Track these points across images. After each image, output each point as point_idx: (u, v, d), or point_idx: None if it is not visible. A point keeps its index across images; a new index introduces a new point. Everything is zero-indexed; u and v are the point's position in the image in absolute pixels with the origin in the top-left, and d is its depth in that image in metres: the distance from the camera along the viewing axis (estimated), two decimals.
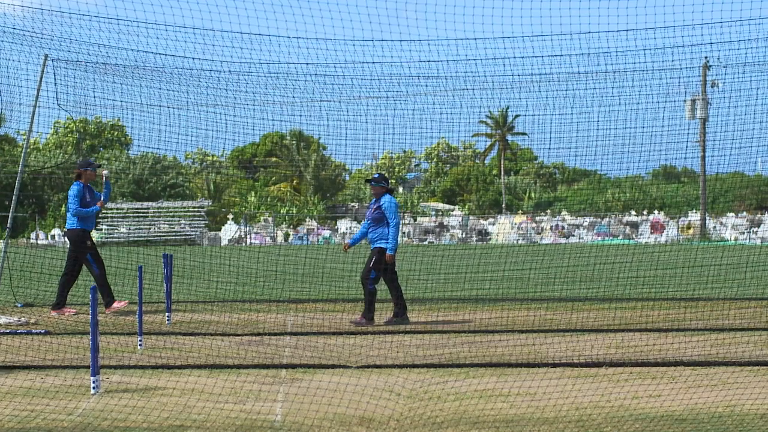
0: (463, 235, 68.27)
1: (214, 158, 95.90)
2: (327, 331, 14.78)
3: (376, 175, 16.04)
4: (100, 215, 63.73)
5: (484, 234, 68.44)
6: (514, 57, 19.21)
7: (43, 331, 14.42)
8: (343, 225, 72.04)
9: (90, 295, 9.89)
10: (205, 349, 12.51)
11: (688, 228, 63.59)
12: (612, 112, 20.08)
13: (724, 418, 8.45)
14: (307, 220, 75.65)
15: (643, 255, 35.88)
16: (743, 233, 61.34)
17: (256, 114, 20.60)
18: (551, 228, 68.19)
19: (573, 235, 66.16)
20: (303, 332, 14.56)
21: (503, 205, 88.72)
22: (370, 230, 15.84)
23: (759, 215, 65.83)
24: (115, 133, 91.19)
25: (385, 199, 15.77)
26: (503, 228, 67.97)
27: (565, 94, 20.36)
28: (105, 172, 17.70)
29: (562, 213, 76.31)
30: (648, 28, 18.30)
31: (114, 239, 60.65)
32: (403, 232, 68.18)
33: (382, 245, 15.62)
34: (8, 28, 17.82)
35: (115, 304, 16.85)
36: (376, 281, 15.60)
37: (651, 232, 64.10)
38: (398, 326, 15.18)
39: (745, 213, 67.82)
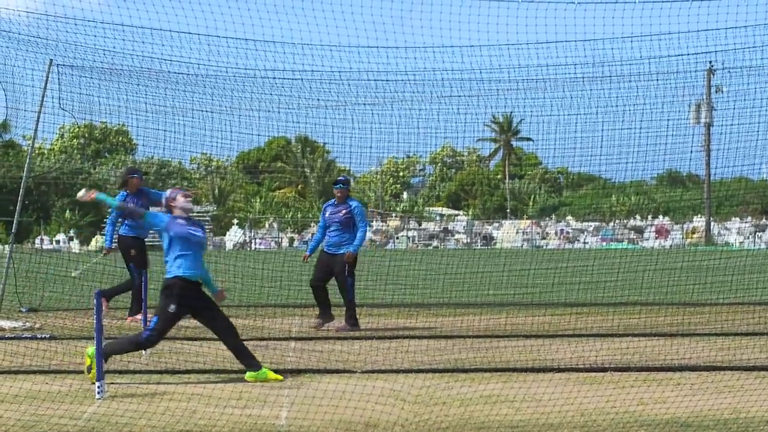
0: (468, 240, 68.24)
1: (219, 163, 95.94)
2: (332, 336, 14.77)
3: (344, 178, 15.97)
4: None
5: (488, 239, 68.41)
6: (519, 66, 19.24)
7: (47, 336, 14.42)
8: None
9: (95, 300, 9.89)
10: (210, 354, 12.51)
11: (693, 233, 63.55)
12: (617, 117, 20.11)
13: (729, 423, 8.44)
14: (312, 224, 75.68)
15: (648, 260, 35.84)
16: (748, 238, 61.30)
17: (261, 119, 20.64)
18: (556, 233, 68.17)
19: (578, 240, 66.11)
20: (308, 337, 14.57)
21: (508, 210, 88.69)
22: (334, 234, 15.53)
23: (764, 220, 65.78)
24: (120, 138, 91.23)
25: (356, 203, 15.71)
26: (508, 233, 67.93)
27: (570, 100, 20.40)
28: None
29: (567, 218, 76.28)
30: (653, 34, 18.31)
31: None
32: (408, 237, 68.18)
33: (351, 249, 15.52)
34: (13, 33, 17.86)
35: (138, 316, 16.70)
36: (353, 286, 15.54)
37: (656, 237, 64.06)
38: (405, 332, 15.18)
39: (749, 218, 67.76)
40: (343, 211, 15.49)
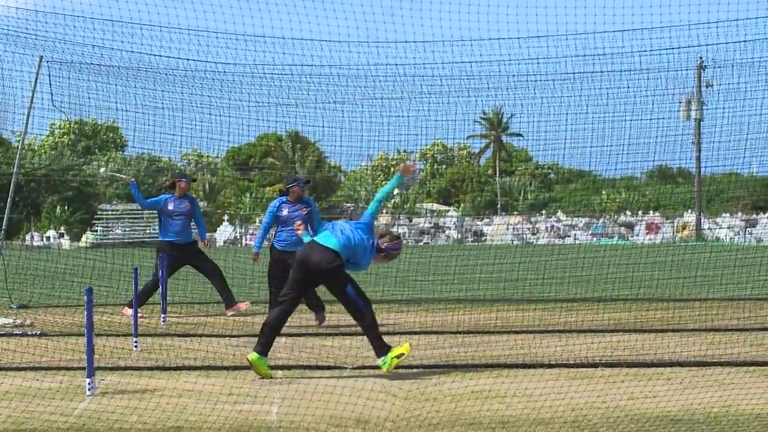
0: (459, 236, 68.26)
1: (209, 159, 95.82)
2: (322, 332, 14.77)
3: (308, 178, 15.95)
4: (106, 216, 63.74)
5: (479, 235, 68.43)
6: (510, 60, 19.24)
7: (38, 333, 14.40)
8: None
9: (85, 296, 9.87)
10: (201, 351, 12.51)
11: (684, 228, 63.62)
12: (607, 112, 20.13)
13: (719, 418, 8.45)
14: None
15: (638, 255, 35.89)
16: (738, 233, 61.39)
17: (251, 115, 20.62)
18: (546, 229, 68.22)
19: (568, 236, 66.17)
20: (298, 333, 14.56)
21: (498, 206, 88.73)
22: (292, 232, 15.06)
23: (754, 215, 65.85)
24: (111, 134, 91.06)
25: (313, 202, 15.76)
26: (498, 229, 67.97)
27: (560, 95, 20.41)
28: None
29: (558, 213, 76.34)
30: (643, 28, 18.35)
31: (109, 240, 60.64)
32: (398, 233, 68.21)
33: None
34: (2, 29, 17.83)
35: (129, 310, 16.71)
36: None
37: (646, 233, 64.13)
38: (395, 328, 15.18)
39: (740, 213, 67.84)
40: (305, 210, 15.45)
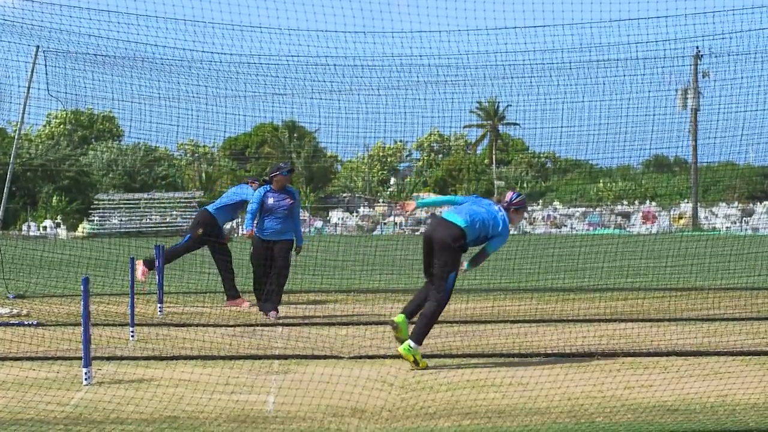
0: None
1: (206, 149, 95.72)
2: (319, 322, 14.77)
3: (286, 165, 15.94)
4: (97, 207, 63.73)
5: None
6: (506, 50, 19.24)
7: (34, 323, 14.39)
8: (335, 216, 71.94)
9: (81, 286, 9.86)
10: (198, 341, 12.50)
11: (680, 218, 63.64)
12: (603, 102, 20.14)
13: (716, 407, 8.46)
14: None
15: (635, 245, 35.91)
16: (735, 223, 61.40)
17: (248, 104, 20.63)
18: (543, 218, 68.22)
19: (565, 225, 66.17)
20: (295, 323, 14.57)
21: (495, 196, 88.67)
22: (277, 222, 15.31)
23: (750, 205, 65.87)
24: (107, 124, 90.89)
25: (297, 192, 15.75)
26: None
27: (557, 85, 20.42)
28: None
29: (554, 203, 76.33)
30: (640, 18, 18.34)
31: (105, 230, 60.61)
32: (395, 223, 68.16)
33: (291, 237, 15.50)
34: None
35: (141, 269, 16.73)
36: None
37: (643, 223, 64.13)
38: (390, 317, 15.16)
39: (736, 203, 67.86)
40: (289, 200, 15.42)
